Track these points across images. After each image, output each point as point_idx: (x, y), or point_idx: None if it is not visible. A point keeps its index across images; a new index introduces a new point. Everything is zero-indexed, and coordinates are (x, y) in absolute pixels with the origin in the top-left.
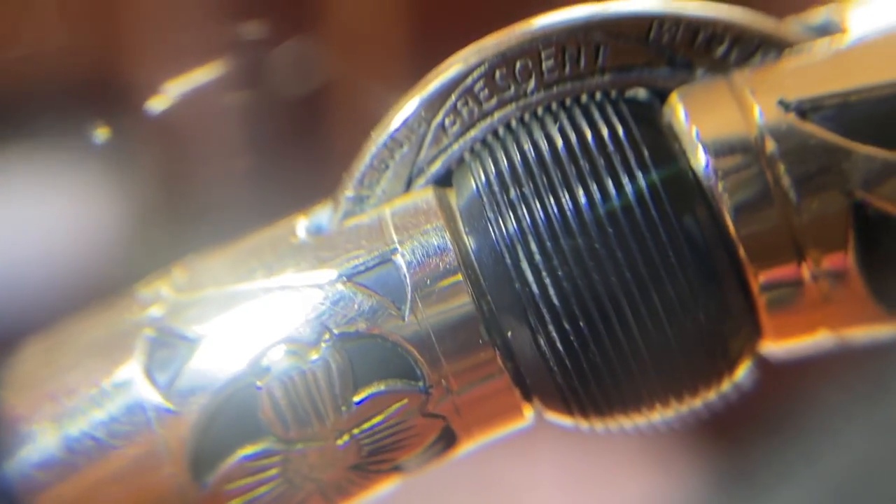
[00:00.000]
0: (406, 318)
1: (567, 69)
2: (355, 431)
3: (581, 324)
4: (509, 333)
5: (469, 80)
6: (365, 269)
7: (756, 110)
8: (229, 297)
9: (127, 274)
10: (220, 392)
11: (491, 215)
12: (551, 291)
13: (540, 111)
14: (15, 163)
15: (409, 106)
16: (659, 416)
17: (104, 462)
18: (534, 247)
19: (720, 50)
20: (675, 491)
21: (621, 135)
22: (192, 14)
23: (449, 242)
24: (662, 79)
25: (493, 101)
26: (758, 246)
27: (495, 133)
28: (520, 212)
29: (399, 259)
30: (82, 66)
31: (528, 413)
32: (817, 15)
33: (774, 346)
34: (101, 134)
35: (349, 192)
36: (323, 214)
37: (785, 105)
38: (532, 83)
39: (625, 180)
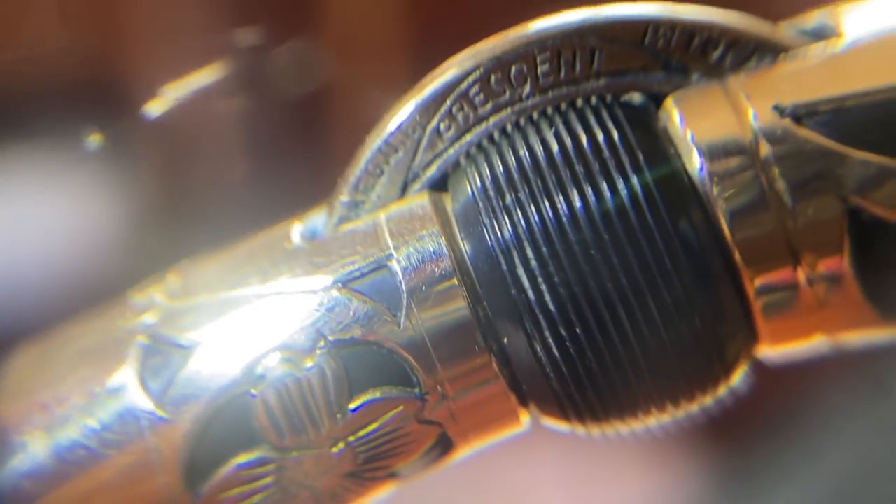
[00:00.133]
0: (401, 325)
1: (562, 73)
2: (351, 439)
3: (577, 329)
4: (505, 339)
5: (464, 85)
6: (360, 275)
7: (751, 115)
8: (223, 303)
9: (126, 275)
10: (214, 400)
11: (487, 220)
12: (547, 297)
13: (535, 115)
14: (14, 163)
15: (403, 111)
16: (655, 421)
17: (96, 472)
18: (529, 252)
19: (715, 54)
20: (676, 491)
21: (616, 139)
22: (191, 14)
23: (444, 248)
24: (658, 83)
25: (489, 105)
26: (753, 250)
27: (491, 137)
28: (515, 217)
29: (394, 265)
30: (82, 67)
31: (525, 419)
32: (812, 19)
33: (771, 351)
34: (94, 140)
35: (344, 197)
36: (318, 219)
37: (780, 110)
38: (527, 87)
39: (620, 184)
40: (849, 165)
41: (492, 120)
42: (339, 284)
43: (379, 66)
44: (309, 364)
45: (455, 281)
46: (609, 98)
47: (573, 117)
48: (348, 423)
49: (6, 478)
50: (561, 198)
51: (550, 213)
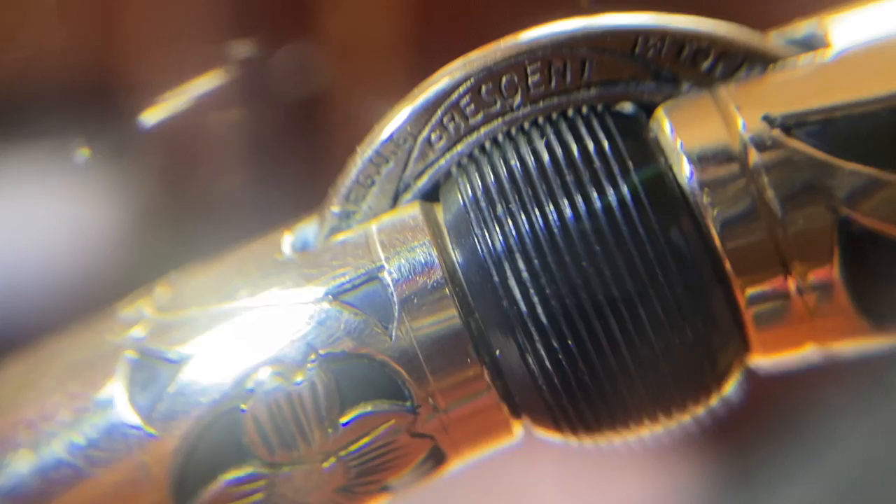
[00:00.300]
0: (393, 337)
1: (553, 83)
2: (342, 453)
3: (569, 342)
4: (497, 351)
5: (455, 96)
6: (351, 286)
7: (741, 125)
8: (213, 317)
9: (125, 277)
10: (203, 416)
11: (478, 231)
12: (539, 309)
13: (526, 125)
14: (13, 165)
15: (394, 121)
16: (648, 431)
17: (82, 490)
18: (521, 263)
19: (705, 64)
20: (676, 492)
21: (607, 149)
22: (191, 16)
23: (436, 259)
24: (648, 93)
25: (480, 115)
26: (744, 259)
27: (482, 148)
28: (507, 227)
29: (386, 276)
30: (81, 69)
31: (517, 430)
32: (801, 28)
33: (763, 361)
34: (83, 153)
35: (335, 207)
36: (309, 230)
37: (770, 120)
38: (518, 98)
39: (611, 194)
40: (838, 176)
41: (483, 130)
42: (330, 297)
43: (378, 71)
44: (299, 378)
45: (447, 292)
46: (600, 108)
47: (564, 127)
48: (339, 438)
49: None
50: (552, 208)
51: (541, 224)
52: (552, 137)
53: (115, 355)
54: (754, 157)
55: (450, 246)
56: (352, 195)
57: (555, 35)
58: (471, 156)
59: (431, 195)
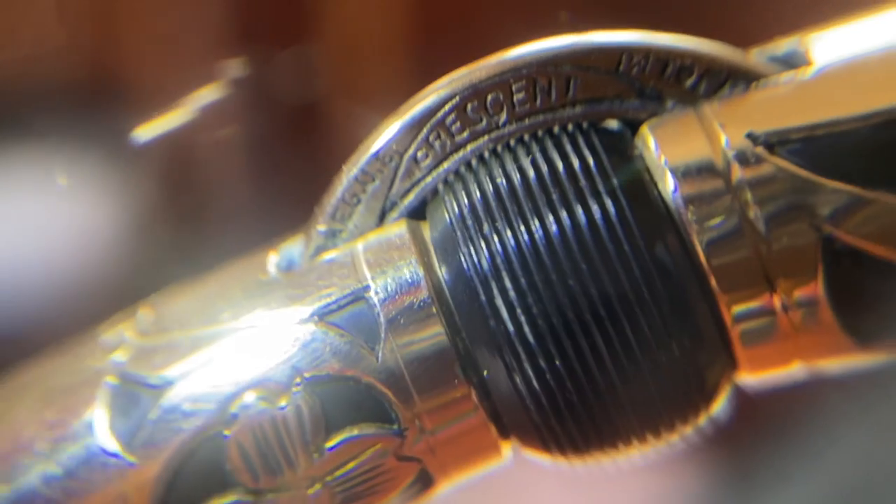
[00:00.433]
0: (379, 359)
1: (538, 101)
2: (328, 479)
3: (556, 362)
4: (485, 371)
5: (441, 114)
6: (337, 307)
7: (725, 142)
8: (196, 340)
9: (126, 277)
10: (185, 443)
11: (465, 249)
12: (526, 328)
13: (513, 143)
14: (13, 163)
15: (379, 139)
16: (637, 451)
17: None
18: (508, 282)
19: (689, 81)
20: (676, 493)
21: (592, 166)
22: (191, 16)
23: (423, 278)
24: (633, 110)
25: (466, 133)
26: (729, 276)
27: (469, 165)
28: (493, 245)
29: (372, 296)
30: (81, 68)
31: (506, 451)
32: (783, 46)
33: (750, 378)
34: (62, 182)
35: (321, 226)
36: (294, 249)
37: (753, 138)
38: (504, 115)
39: (596, 211)
40: (821, 194)
41: (469, 148)
42: (316, 318)
43: (378, 74)
44: (284, 402)
45: (433, 311)
46: (585, 125)
47: (549, 144)
48: (325, 463)
49: None
50: (538, 225)
51: (527, 241)
52: (538, 155)
53: (95, 381)
54: (738, 173)
55: (436, 264)
56: (338, 214)
57: (539, 53)
58: (457, 173)
59: (418, 213)
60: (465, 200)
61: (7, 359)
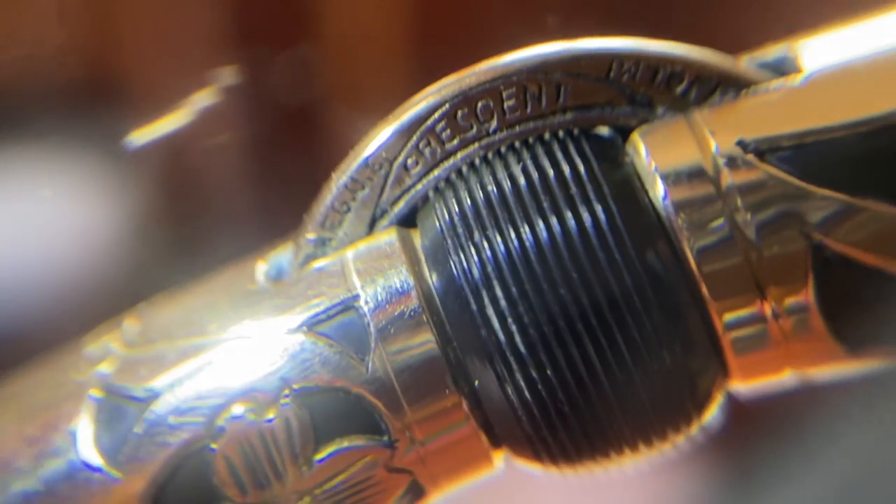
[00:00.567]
0: (369, 369)
1: (529, 108)
2: (317, 492)
3: (548, 372)
4: (476, 382)
5: (430, 121)
6: (326, 317)
7: (715, 149)
8: (183, 352)
9: (126, 277)
10: (172, 457)
11: (455, 258)
12: (517, 338)
13: (503, 150)
14: (14, 163)
15: (369, 147)
16: (629, 460)
17: None
18: (498, 291)
19: (680, 88)
20: (677, 493)
21: (583, 173)
22: (191, 15)
23: (413, 287)
24: (624, 117)
25: (456, 141)
26: (720, 283)
27: (459, 172)
28: (484, 254)
29: (362, 305)
30: (82, 67)
31: (497, 461)
32: (772, 52)
33: (742, 386)
34: (47, 195)
35: (310, 234)
36: (283, 258)
37: (744, 146)
38: (494, 122)
39: (586, 219)
40: (811, 202)
41: (459, 155)
42: (305, 328)
43: (379, 78)
44: (273, 414)
45: (424, 321)
46: (576, 132)
47: (540, 151)
48: (314, 475)
49: None
50: (529, 234)
51: (518, 250)
52: (528, 162)
53: (79, 394)
54: (728, 179)
55: (427, 273)
56: (327, 222)
57: (530, 60)
58: (448, 180)
59: (408, 220)
60: (456, 208)
61: (7, 359)
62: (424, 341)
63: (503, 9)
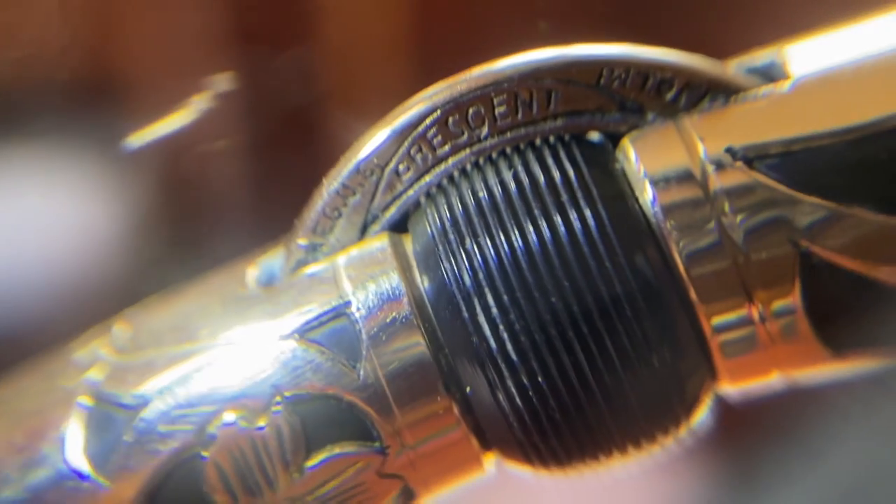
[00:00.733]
0: (360, 376)
1: (520, 114)
2: (308, 499)
3: (539, 379)
4: (468, 388)
5: (422, 127)
6: (318, 323)
7: (704, 156)
8: (173, 358)
9: (126, 277)
10: (161, 465)
11: (447, 264)
12: (509, 347)
13: (495, 155)
14: (14, 163)
15: (360, 153)
16: (619, 463)
17: None
18: (490, 298)
19: (670, 94)
20: (678, 492)
21: (573, 178)
22: (191, 15)
23: (404, 293)
24: (614, 123)
25: (447, 146)
26: (708, 287)
27: (450, 178)
28: (475, 260)
29: (353, 312)
30: (82, 67)
31: (488, 464)
32: (760, 57)
33: (730, 389)
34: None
35: (301, 239)
36: (274, 263)
37: (732, 153)
38: (485, 129)
39: (576, 224)
40: (798, 209)
41: (451, 161)
42: (297, 335)
43: (378, 79)
44: (264, 422)
45: (415, 329)
46: (567, 137)
47: (531, 157)
48: (305, 482)
49: None
50: (520, 240)
51: (509, 256)
52: (519, 168)
53: (68, 401)
54: (716, 183)
55: (418, 278)
56: (318, 227)
57: (521, 66)
58: (439, 186)
59: (400, 226)
60: (447, 214)
61: (7, 359)
62: (416, 348)
63: (503, 9)
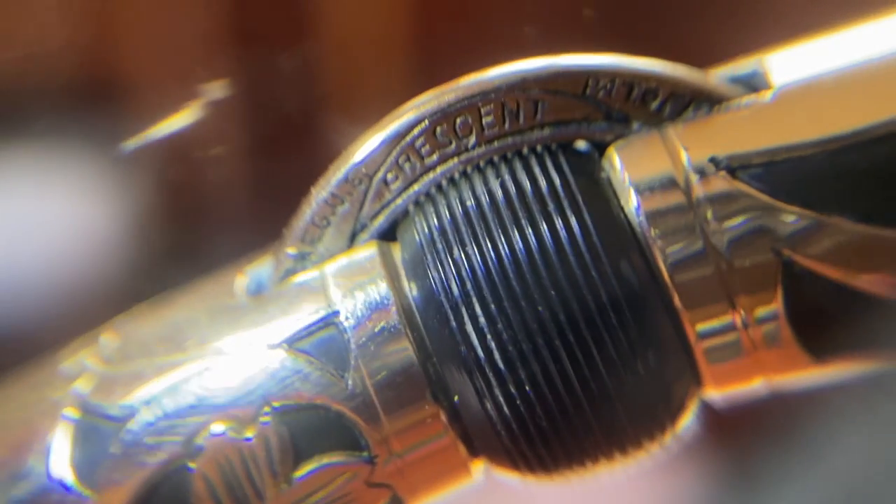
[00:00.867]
0: (349, 385)
1: (507, 124)
2: None
3: (527, 388)
4: (456, 397)
5: (410, 137)
6: (307, 333)
7: (688, 166)
8: (160, 368)
9: (126, 277)
10: (148, 478)
11: (434, 273)
12: (496, 356)
13: (482, 164)
14: (14, 163)
15: (349, 162)
16: (606, 469)
17: None
18: (477, 309)
19: (654, 104)
20: (678, 492)
21: (559, 188)
22: (192, 14)
23: (392, 302)
24: (600, 132)
25: (435, 156)
26: (692, 294)
27: (438, 187)
28: (463, 270)
29: (342, 321)
30: (82, 67)
31: (476, 472)
32: (743, 66)
33: (715, 395)
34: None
35: (290, 248)
36: (263, 272)
37: (716, 162)
38: (473, 138)
39: (562, 233)
40: (780, 218)
41: (439, 170)
42: (285, 345)
43: (378, 80)
44: (252, 433)
45: (404, 338)
46: (554, 146)
47: (518, 166)
48: (294, 493)
49: None
50: (507, 249)
51: (496, 265)
52: (506, 177)
53: (54, 413)
54: (700, 191)
55: (407, 287)
56: (307, 236)
57: (507, 76)
58: (427, 195)
59: (388, 234)
60: (435, 222)
61: (7, 359)
62: (404, 357)
63: (502, 9)
